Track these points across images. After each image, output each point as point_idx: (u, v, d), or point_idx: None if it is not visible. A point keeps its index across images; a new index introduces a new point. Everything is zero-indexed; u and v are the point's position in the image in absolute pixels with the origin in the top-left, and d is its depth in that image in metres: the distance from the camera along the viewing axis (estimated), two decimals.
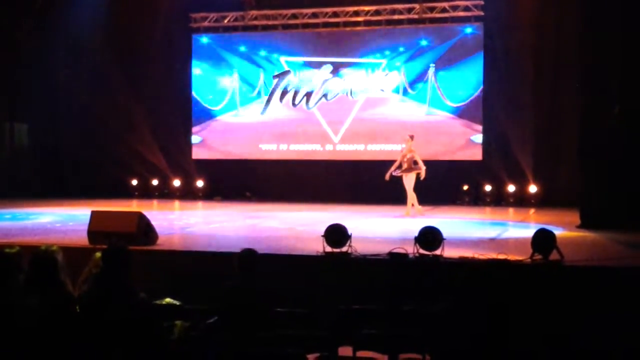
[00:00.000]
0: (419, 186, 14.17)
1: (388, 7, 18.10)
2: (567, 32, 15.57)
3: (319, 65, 18.70)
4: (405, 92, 18.35)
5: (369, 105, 18.57)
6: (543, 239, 8.07)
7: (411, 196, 14.12)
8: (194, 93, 19.49)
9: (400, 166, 14.25)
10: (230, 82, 19.30)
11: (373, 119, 18.49)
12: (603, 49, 11.95)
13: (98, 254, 5.96)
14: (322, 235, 8.45)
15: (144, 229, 9.29)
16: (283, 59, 18.94)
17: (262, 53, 19.08)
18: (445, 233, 8.33)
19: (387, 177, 14.29)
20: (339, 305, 6.24)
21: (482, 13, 17.42)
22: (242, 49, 19.25)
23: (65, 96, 19.13)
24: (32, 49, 18.61)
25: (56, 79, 18.95)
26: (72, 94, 18.93)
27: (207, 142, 19.47)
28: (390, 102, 18.49)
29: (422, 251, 8.21)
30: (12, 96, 18.88)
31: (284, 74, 18.99)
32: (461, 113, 17.98)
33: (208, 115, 19.48)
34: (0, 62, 18.43)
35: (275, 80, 19.04)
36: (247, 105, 19.25)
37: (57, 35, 18.68)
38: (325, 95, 18.76)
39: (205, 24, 19.29)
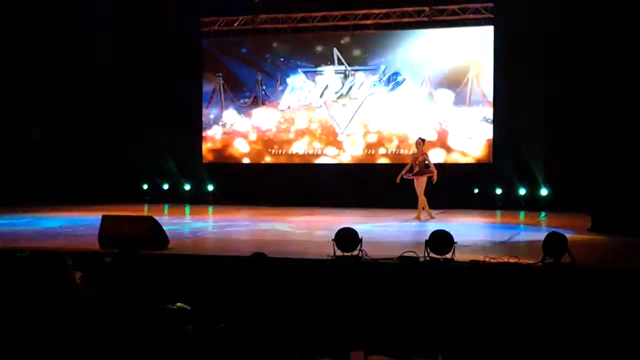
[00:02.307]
0: (429, 189, 14.15)
1: (398, 10, 18.04)
2: (578, 33, 15.48)
3: (329, 69, 18.55)
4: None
5: (383, 109, 18.07)
6: (554, 242, 8.05)
7: (422, 200, 14.10)
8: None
9: (411, 169, 14.23)
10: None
11: (390, 127, 18.00)
12: (615, 50, 11.91)
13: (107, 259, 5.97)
14: (333, 239, 8.44)
15: (155, 233, 9.32)
16: (290, 61, 18.83)
17: (267, 56, 18.98)
18: (456, 237, 8.32)
19: (398, 180, 14.26)
20: (350, 309, 6.23)
21: (492, 15, 17.33)
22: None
23: (77, 101, 19.14)
24: (44, 53, 18.70)
25: (68, 83, 18.99)
26: (84, 99, 18.95)
27: (216, 147, 19.46)
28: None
29: (433, 255, 8.21)
30: (25, 101, 18.93)
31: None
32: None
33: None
34: (14, 67, 18.51)
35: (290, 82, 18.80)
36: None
37: (67, 38, 18.76)
38: (333, 98, 18.49)
39: (215, 27, 19.30)
